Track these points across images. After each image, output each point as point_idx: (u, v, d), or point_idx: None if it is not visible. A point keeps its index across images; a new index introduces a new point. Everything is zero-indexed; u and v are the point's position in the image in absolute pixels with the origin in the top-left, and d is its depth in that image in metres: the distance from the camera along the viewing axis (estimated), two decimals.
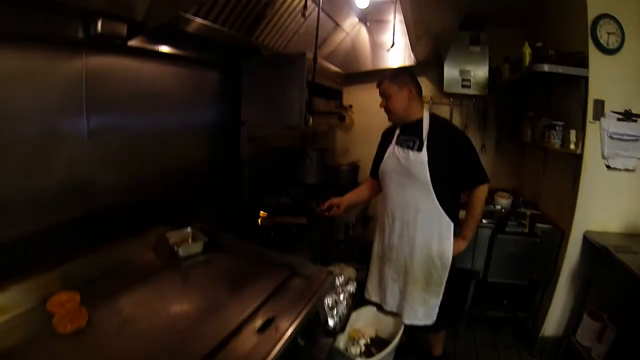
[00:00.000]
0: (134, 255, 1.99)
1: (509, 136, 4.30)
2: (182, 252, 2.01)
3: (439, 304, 2.52)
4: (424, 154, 2.40)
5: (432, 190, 2.42)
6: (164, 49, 2.32)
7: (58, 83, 1.73)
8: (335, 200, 2.79)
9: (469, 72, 4.16)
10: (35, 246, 1.66)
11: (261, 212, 2.89)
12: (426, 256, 2.49)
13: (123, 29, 1.83)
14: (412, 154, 2.45)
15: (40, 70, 1.65)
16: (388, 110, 2.56)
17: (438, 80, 4.33)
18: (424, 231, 2.48)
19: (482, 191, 2.46)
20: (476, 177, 2.45)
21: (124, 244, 1.97)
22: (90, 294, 1.56)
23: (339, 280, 2.58)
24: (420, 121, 2.51)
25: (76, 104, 1.83)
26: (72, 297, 1.48)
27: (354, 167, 4.21)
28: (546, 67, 2.83)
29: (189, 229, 2.22)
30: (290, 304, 1.58)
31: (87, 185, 1.93)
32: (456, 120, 4.47)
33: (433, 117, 2.56)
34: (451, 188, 2.50)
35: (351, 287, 2.59)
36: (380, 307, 2.75)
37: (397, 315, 2.66)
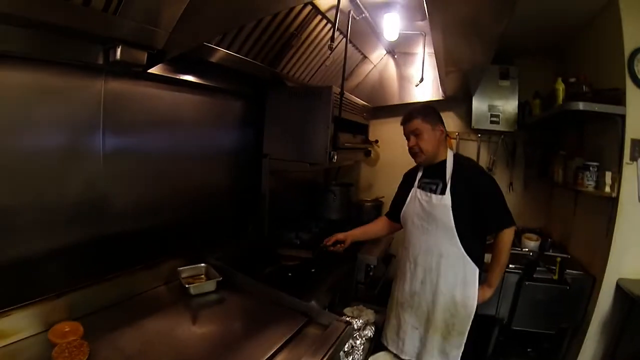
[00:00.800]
0: (144, 287, 1.97)
1: (538, 174, 4.16)
2: (193, 290, 1.96)
3: (459, 356, 2.37)
4: (447, 198, 2.30)
5: (456, 235, 2.30)
6: (186, 77, 2.33)
7: (76, 104, 1.77)
8: (340, 235, 2.70)
9: (498, 107, 4.07)
10: (44, 268, 1.68)
11: None
12: (449, 304, 2.35)
13: (143, 57, 1.84)
14: (435, 198, 2.35)
15: (59, 91, 1.69)
16: (418, 150, 2.42)
17: (466, 115, 4.25)
18: (447, 278, 2.34)
19: (508, 235, 2.32)
20: (501, 220, 2.32)
21: (134, 274, 1.94)
22: (94, 326, 1.54)
23: (357, 324, 2.49)
24: (444, 163, 2.41)
25: (94, 126, 1.85)
26: (74, 329, 1.47)
27: (378, 204, 4.13)
28: (581, 106, 2.71)
29: (202, 265, 2.17)
30: (306, 355, 1.50)
31: (101, 208, 1.93)
32: (484, 157, 4.38)
33: (457, 157, 2.46)
34: (476, 232, 2.37)
35: (369, 332, 2.51)
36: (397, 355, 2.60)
37: None
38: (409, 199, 2.53)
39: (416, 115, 2.40)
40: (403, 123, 2.46)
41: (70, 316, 1.57)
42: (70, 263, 1.79)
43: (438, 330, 2.36)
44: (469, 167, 2.45)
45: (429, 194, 2.38)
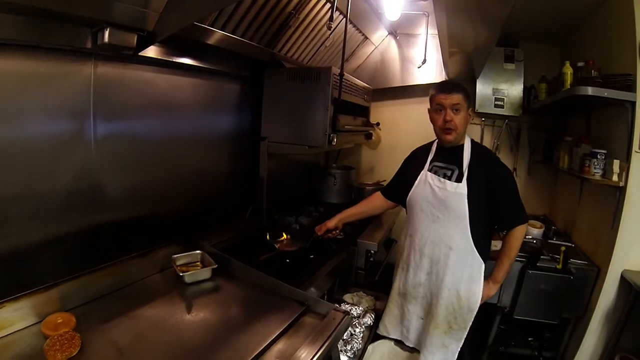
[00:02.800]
0: (139, 275, 1.93)
1: (542, 160, 4.10)
2: (188, 278, 1.92)
3: (459, 348, 2.33)
4: (463, 186, 2.21)
5: (469, 227, 2.22)
6: (180, 60, 2.28)
7: (65, 90, 1.74)
8: (330, 224, 2.62)
9: (503, 91, 4.01)
10: (36, 259, 1.68)
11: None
12: (453, 299, 2.29)
13: (132, 39, 1.79)
14: (449, 185, 2.25)
15: (47, 77, 1.66)
16: (453, 127, 2.23)
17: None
18: (454, 272, 2.27)
19: (520, 232, 2.26)
20: (516, 217, 2.25)
21: (128, 263, 1.89)
22: (87, 317, 1.53)
23: (356, 311, 2.46)
24: (462, 148, 2.31)
25: (84, 112, 1.82)
26: (67, 320, 1.46)
27: (379, 188, 4.01)
28: (590, 90, 2.62)
29: (198, 252, 2.11)
30: (303, 346, 1.47)
31: (93, 195, 1.92)
32: (487, 141, 4.32)
33: (474, 144, 2.36)
34: (487, 225, 2.30)
35: (369, 320, 2.48)
36: (397, 342, 2.56)
37: (414, 351, 2.48)
38: (417, 181, 2.41)
39: (460, 89, 2.25)
40: (442, 92, 2.25)
41: (64, 307, 1.54)
42: (63, 253, 1.77)
43: (439, 326, 2.31)
44: (487, 157, 2.36)
45: (442, 179, 2.29)
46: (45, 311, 1.47)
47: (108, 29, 1.66)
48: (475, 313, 2.29)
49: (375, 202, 2.77)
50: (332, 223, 2.62)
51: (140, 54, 1.91)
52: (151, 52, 2.00)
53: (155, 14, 1.76)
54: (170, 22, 1.77)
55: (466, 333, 2.31)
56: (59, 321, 1.42)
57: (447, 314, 2.30)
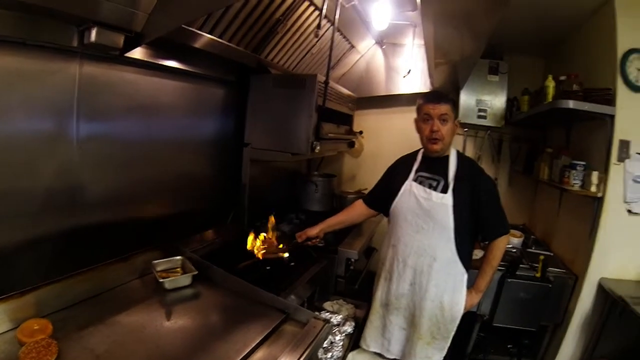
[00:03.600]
0: (118, 281, 1.90)
1: (523, 171, 4.16)
2: (168, 285, 1.90)
3: (442, 358, 2.34)
4: (449, 197, 2.21)
5: (453, 238, 2.23)
6: (166, 62, 2.26)
7: (49, 88, 1.70)
8: (311, 232, 2.59)
9: (486, 102, 4.06)
10: (13, 262, 1.63)
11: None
12: (436, 309, 2.29)
13: (120, 40, 1.76)
14: (435, 196, 2.25)
15: (31, 75, 1.62)
16: (439, 137, 2.24)
17: None
18: (438, 283, 2.27)
19: (503, 242, 2.28)
20: (501, 228, 2.28)
21: (108, 268, 1.87)
22: (64, 323, 1.50)
23: (336, 319, 2.45)
24: (447, 159, 2.32)
25: (67, 111, 1.78)
26: (44, 326, 1.42)
27: (361, 196, 4.00)
28: (571, 104, 2.69)
29: (178, 258, 2.10)
30: (283, 354, 1.47)
31: (74, 197, 1.87)
32: (469, 151, 4.36)
33: (459, 155, 2.38)
34: (470, 235, 2.31)
35: (349, 328, 2.47)
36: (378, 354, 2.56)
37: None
38: (402, 191, 2.39)
39: (448, 99, 2.26)
40: (430, 102, 2.25)
41: (40, 313, 1.51)
42: (41, 256, 1.73)
43: (422, 337, 2.31)
44: (473, 168, 2.38)
45: (428, 190, 2.28)
46: (20, 317, 1.43)
47: (95, 28, 1.63)
48: (457, 322, 2.30)
49: (357, 211, 2.75)
50: (313, 231, 2.59)
51: (126, 54, 1.89)
52: (137, 53, 1.97)
53: (143, 15, 1.74)
54: (159, 24, 1.75)
55: (449, 343, 2.32)
56: (35, 328, 1.39)
57: (430, 325, 2.30)
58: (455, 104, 2.29)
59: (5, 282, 1.51)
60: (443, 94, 2.34)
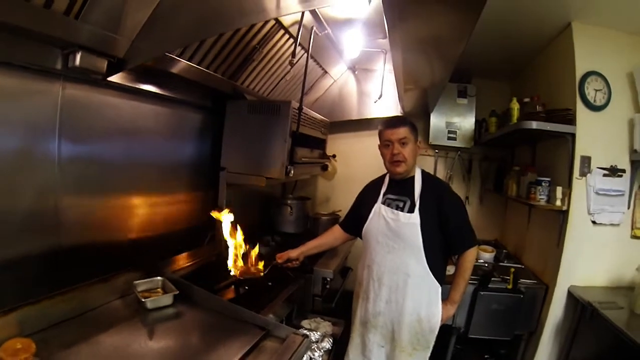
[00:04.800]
0: (99, 301, 1.89)
1: (493, 189, 4.30)
2: (150, 304, 1.91)
3: None
4: (416, 216, 2.28)
5: (424, 255, 2.29)
6: (146, 87, 2.29)
7: (32, 109, 1.72)
8: (292, 254, 2.63)
9: (455, 124, 4.20)
10: None
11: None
12: (414, 323, 2.34)
13: (103, 65, 1.82)
14: (402, 216, 2.32)
15: (14, 95, 1.64)
16: (402, 159, 2.33)
17: (424, 131, 4.27)
18: (413, 297, 2.32)
19: (471, 254, 2.35)
20: (468, 241, 2.34)
21: (89, 288, 1.86)
22: (47, 343, 1.49)
23: (315, 336, 2.48)
24: (412, 179, 2.40)
25: (49, 133, 1.79)
26: (27, 346, 1.39)
27: (335, 218, 4.08)
28: (534, 125, 2.86)
29: (159, 279, 2.11)
30: None
31: (54, 217, 1.87)
32: (440, 172, 4.49)
33: (424, 174, 2.45)
34: (441, 250, 2.37)
35: (327, 344, 2.50)
36: None
37: None
38: (371, 214, 2.47)
39: (406, 123, 2.36)
40: (389, 128, 2.37)
41: (22, 332, 1.50)
42: (21, 276, 1.72)
43: (404, 349, 2.35)
44: (437, 186, 2.45)
45: (395, 211, 2.35)
46: (2, 336, 1.41)
47: (80, 53, 1.67)
48: (436, 333, 2.35)
49: (335, 235, 2.81)
50: (294, 253, 2.63)
51: (107, 79, 1.93)
52: (118, 77, 2.00)
53: (126, 41, 1.79)
54: (142, 51, 1.81)
55: (429, 353, 2.37)
56: (18, 347, 1.37)
57: (410, 337, 2.34)
58: (414, 126, 2.39)
59: None
60: (401, 118, 2.47)
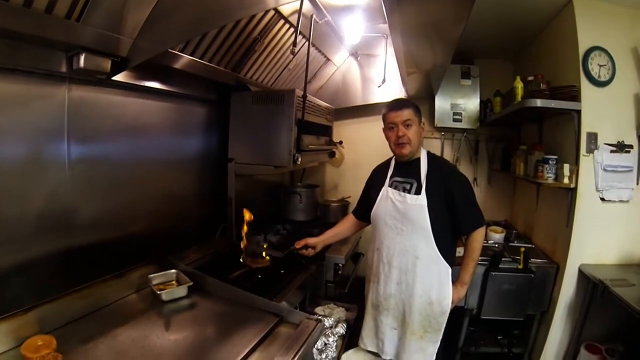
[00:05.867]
0: (115, 296, 1.93)
1: (500, 169, 4.27)
2: (165, 296, 1.94)
3: (436, 351, 2.40)
4: (423, 198, 2.29)
5: (432, 236, 2.30)
6: (150, 84, 2.33)
7: (40, 113, 1.76)
8: (310, 241, 2.66)
9: (460, 105, 4.18)
10: (11, 283, 1.66)
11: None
12: (425, 305, 2.35)
13: (107, 64, 1.84)
14: (409, 198, 2.33)
15: (22, 99, 1.68)
16: (406, 141, 2.34)
17: (429, 114, 4.29)
18: (423, 279, 2.34)
19: (480, 234, 2.35)
20: (474, 221, 2.34)
21: (105, 284, 1.90)
22: (67, 338, 1.52)
23: (328, 322, 2.51)
24: (419, 161, 2.41)
25: (58, 135, 1.84)
26: (48, 342, 1.42)
27: (344, 204, 4.14)
28: (539, 102, 2.83)
29: (173, 271, 2.15)
30: (278, 354, 1.51)
31: (67, 217, 1.92)
32: (447, 154, 4.48)
33: (430, 155, 2.45)
34: (449, 231, 2.38)
35: (341, 329, 2.53)
36: (373, 352, 2.61)
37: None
38: (379, 198, 2.48)
39: (409, 105, 2.37)
40: (392, 110, 2.37)
41: (42, 330, 1.53)
42: (38, 276, 1.77)
43: (415, 332, 2.36)
44: (443, 167, 2.45)
45: (402, 193, 2.36)
46: (23, 335, 1.44)
47: (84, 54, 1.71)
48: (447, 315, 2.36)
49: (349, 223, 2.83)
50: (313, 240, 2.67)
51: (112, 78, 1.96)
52: (122, 76, 2.03)
53: (128, 41, 1.82)
54: (144, 49, 1.83)
55: (441, 335, 2.38)
56: (39, 343, 1.40)
57: (421, 319, 2.35)
58: (417, 108, 2.39)
59: (4, 303, 1.55)
60: (404, 100, 2.44)
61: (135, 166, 2.33)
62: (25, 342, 1.41)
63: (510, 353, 3.49)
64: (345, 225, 2.85)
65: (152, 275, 2.07)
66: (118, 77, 2.01)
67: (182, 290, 2.01)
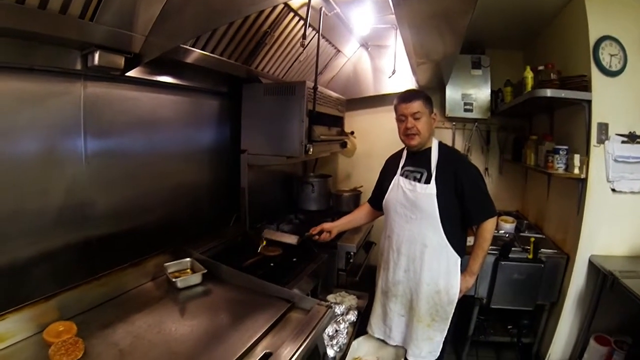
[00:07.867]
0: (132, 284, 1.98)
1: (512, 159, 4.27)
2: (180, 284, 2.00)
3: (444, 339, 2.44)
4: (432, 187, 2.33)
5: (440, 225, 2.33)
6: (163, 78, 2.37)
7: (57, 110, 1.80)
8: (326, 225, 2.73)
9: (471, 95, 4.19)
10: (32, 273, 1.72)
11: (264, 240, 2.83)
12: (433, 292, 2.39)
13: (120, 61, 1.89)
14: (419, 187, 2.37)
15: (39, 98, 1.72)
16: (416, 132, 2.37)
17: (440, 104, 4.29)
18: (431, 267, 2.37)
19: (490, 224, 2.36)
20: (485, 211, 2.36)
21: (122, 272, 1.95)
22: (87, 324, 1.58)
23: (340, 309, 2.55)
24: (429, 151, 2.44)
25: (75, 131, 1.89)
26: (68, 328, 1.49)
27: (356, 194, 4.17)
28: (549, 92, 2.83)
29: (187, 260, 2.20)
30: (289, 339, 1.55)
31: (85, 210, 1.97)
32: (459, 144, 4.48)
33: (441, 146, 2.48)
34: (459, 221, 2.41)
35: (352, 317, 2.57)
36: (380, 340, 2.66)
37: (399, 346, 2.57)
38: (391, 186, 2.53)
39: (418, 96, 2.39)
40: (402, 102, 2.40)
41: (63, 316, 1.58)
42: (57, 266, 1.83)
43: (422, 320, 2.40)
44: (454, 157, 2.48)
45: (413, 182, 2.39)
46: (45, 321, 1.50)
47: (98, 52, 1.75)
48: (455, 304, 2.39)
49: (365, 211, 2.89)
50: (328, 225, 2.74)
51: (125, 74, 2.01)
52: (135, 71, 2.07)
53: (141, 37, 1.87)
54: (156, 45, 1.88)
55: (448, 324, 2.41)
56: (60, 329, 1.46)
57: (429, 308, 2.39)
58: (427, 99, 2.40)
59: (25, 292, 1.62)
60: (414, 92, 2.46)
61: (149, 159, 2.39)
62: (47, 327, 1.47)
63: (519, 342, 3.52)
64: (361, 213, 2.90)
65: (167, 263, 2.12)
66: (132, 73, 2.04)
67: (196, 278, 2.06)
